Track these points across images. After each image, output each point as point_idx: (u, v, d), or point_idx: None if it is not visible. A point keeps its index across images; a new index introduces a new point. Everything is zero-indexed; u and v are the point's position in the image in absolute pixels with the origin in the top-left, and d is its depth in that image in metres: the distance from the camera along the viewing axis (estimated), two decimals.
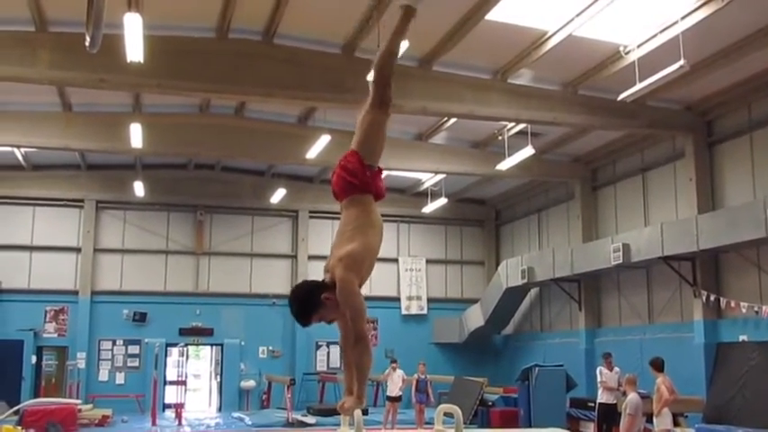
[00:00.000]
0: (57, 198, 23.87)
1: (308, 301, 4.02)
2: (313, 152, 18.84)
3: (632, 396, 11.70)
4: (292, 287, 4.15)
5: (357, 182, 4.27)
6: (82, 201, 24.03)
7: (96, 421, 19.01)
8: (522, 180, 23.08)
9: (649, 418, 11.49)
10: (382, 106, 4.42)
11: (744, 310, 14.83)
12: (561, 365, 17.07)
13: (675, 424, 12.96)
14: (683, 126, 16.77)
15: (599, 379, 14.50)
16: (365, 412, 15.57)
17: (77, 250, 23.98)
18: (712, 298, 15.71)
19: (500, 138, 18.84)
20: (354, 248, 4.06)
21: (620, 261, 17.20)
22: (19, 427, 16.76)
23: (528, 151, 17.63)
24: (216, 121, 19.70)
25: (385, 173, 21.91)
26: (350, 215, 4.27)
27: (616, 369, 14.53)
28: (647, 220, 18.46)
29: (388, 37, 4.44)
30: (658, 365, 11.35)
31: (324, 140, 18.15)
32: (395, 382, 17.48)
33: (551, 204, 23.17)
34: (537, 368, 16.56)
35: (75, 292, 23.72)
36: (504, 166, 18.76)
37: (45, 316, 23.59)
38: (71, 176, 23.84)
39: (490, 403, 19.03)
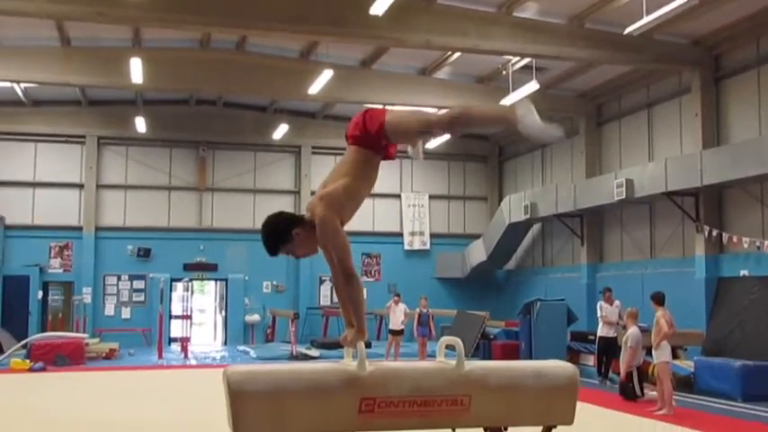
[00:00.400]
0: (58, 134, 23.80)
1: (277, 234, 4.05)
2: (315, 87, 18.71)
3: (633, 330, 11.83)
4: (267, 216, 4.14)
5: (370, 140, 4.23)
6: (83, 137, 23.98)
7: (103, 355, 19.27)
8: None
9: (649, 352, 11.63)
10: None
11: (745, 246, 14.88)
12: (563, 300, 17.20)
13: (675, 357, 13.12)
14: (689, 61, 16.59)
15: (599, 313, 14.61)
16: (368, 345, 15.78)
17: (80, 186, 24.03)
18: (714, 233, 15.75)
19: (504, 73, 18.68)
20: (337, 189, 4.08)
21: (624, 196, 17.20)
22: (27, 361, 17.05)
23: (533, 86, 17.48)
24: (217, 56, 19.53)
25: (388, 108, 21.42)
26: (349, 159, 4.27)
27: (616, 303, 14.63)
28: (651, 156, 18.41)
29: (485, 111, 4.40)
30: (659, 299, 11.44)
31: (326, 75, 18.01)
32: (397, 316, 17.64)
33: (555, 140, 23.04)
34: (538, 302, 16.69)
35: (80, 228, 23.84)
36: (509, 101, 18.62)
37: (50, 252, 23.75)
38: (72, 112, 23.74)
39: (492, 336, 19.24)
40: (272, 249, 4.06)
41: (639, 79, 18.86)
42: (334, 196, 4.06)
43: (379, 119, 4.21)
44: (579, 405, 3.85)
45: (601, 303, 14.75)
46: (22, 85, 20.78)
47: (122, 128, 23.86)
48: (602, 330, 14.52)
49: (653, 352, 11.08)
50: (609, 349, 14.37)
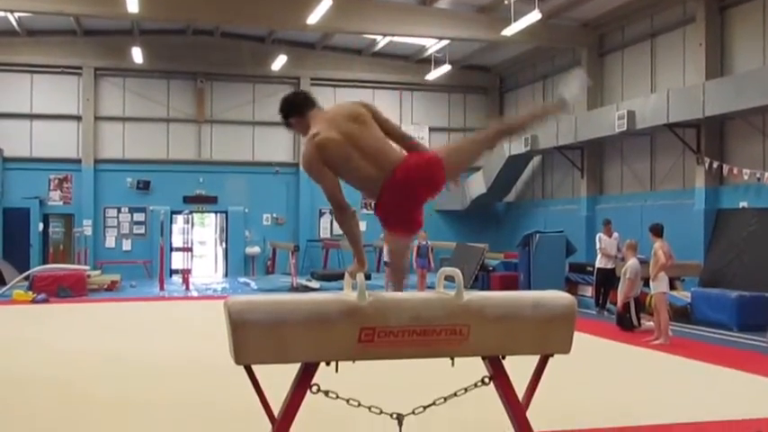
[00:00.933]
0: (54, 65, 23.58)
1: (289, 107, 4.25)
2: (314, 17, 18.45)
3: (632, 261, 11.91)
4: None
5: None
6: (80, 68, 23.76)
7: (105, 286, 19.45)
8: (528, 46, 22.66)
9: (647, 283, 11.73)
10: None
11: (746, 177, 14.88)
12: (561, 232, 17.27)
13: (672, 288, 13.25)
14: None
15: (598, 245, 14.69)
16: (368, 277, 15.87)
17: (78, 118, 23.91)
18: (715, 165, 15.73)
19: (506, 2, 18.38)
20: (336, 138, 3.97)
21: (625, 128, 17.12)
22: (30, 292, 17.22)
23: (534, 16, 17.23)
24: None
25: (387, 39, 21.49)
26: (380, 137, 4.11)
27: (615, 235, 14.68)
28: (653, 87, 18.26)
29: (527, 115, 4.31)
30: (657, 231, 11.49)
31: (325, 5, 17.74)
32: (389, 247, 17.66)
33: (557, 71, 22.84)
34: (538, 234, 16.76)
35: (78, 161, 23.81)
36: (510, 31, 18.40)
37: (49, 184, 23.77)
38: (68, 42, 23.47)
39: (491, 268, 19.40)
40: (283, 117, 4.28)
41: (643, 8, 18.57)
42: (332, 143, 3.97)
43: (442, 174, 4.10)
44: (576, 335, 3.90)
45: (600, 235, 14.81)
46: (16, 14, 20.52)
47: (119, 59, 23.63)
48: (600, 262, 14.62)
49: (650, 283, 11.18)
50: (607, 280, 14.52)
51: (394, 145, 4.18)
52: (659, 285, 11.01)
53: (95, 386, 7.50)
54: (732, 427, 5.69)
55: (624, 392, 7.45)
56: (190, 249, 23.22)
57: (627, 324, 12.10)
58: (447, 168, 4.08)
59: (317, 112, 4.15)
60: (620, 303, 12.22)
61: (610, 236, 14.67)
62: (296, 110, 4.19)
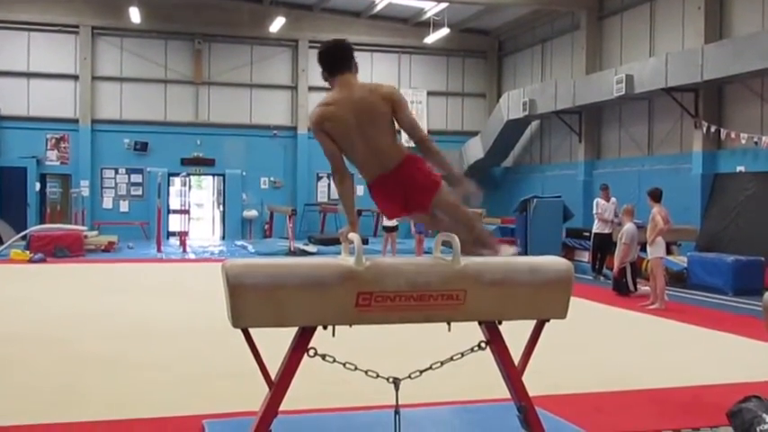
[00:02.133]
0: (51, 23, 23.43)
1: (322, 62, 4.18)
2: None
3: (628, 225, 11.91)
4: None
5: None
6: (77, 26, 23.58)
7: (102, 247, 19.47)
8: (528, 9, 22.49)
9: (643, 247, 11.74)
10: None
11: (743, 141, 14.84)
12: (559, 197, 17.25)
13: (668, 253, 13.27)
14: None
15: (595, 210, 14.75)
16: (365, 241, 15.90)
17: (75, 78, 23.77)
18: (713, 129, 15.69)
19: None
20: (343, 118, 3.99)
21: (623, 92, 17.06)
22: (27, 252, 17.23)
23: None
24: None
25: (386, 1, 21.38)
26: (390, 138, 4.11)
27: (613, 200, 14.70)
28: (652, 51, 18.15)
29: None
30: (656, 196, 11.48)
31: None
32: None
33: (556, 35, 22.70)
34: (535, 199, 16.74)
35: (76, 121, 23.71)
36: None
37: (46, 144, 23.70)
38: (65, 0, 23.24)
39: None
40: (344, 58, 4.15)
41: None
42: (331, 115, 4.02)
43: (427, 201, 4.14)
44: (573, 300, 3.90)
45: (597, 200, 14.84)
46: None
47: (116, 18, 23.44)
48: (597, 227, 14.69)
49: (647, 248, 11.19)
50: (604, 245, 14.56)
51: (402, 142, 4.21)
52: (656, 250, 11.02)
53: (91, 344, 7.52)
54: (728, 390, 5.71)
55: (620, 357, 7.48)
56: (187, 212, 23.23)
57: (623, 289, 12.15)
58: (435, 203, 4.13)
59: (348, 78, 4.11)
60: (616, 268, 12.23)
61: (607, 200, 14.69)
62: (326, 67, 4.16)
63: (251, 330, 3.52)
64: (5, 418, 5.01)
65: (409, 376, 3.90)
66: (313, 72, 24.79)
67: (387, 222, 17.70)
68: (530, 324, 3.97)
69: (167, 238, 22.97)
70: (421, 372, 3.94)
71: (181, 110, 24.66)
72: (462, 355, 3.95)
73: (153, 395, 5.72)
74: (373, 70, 25.42)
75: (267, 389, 3.63)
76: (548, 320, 3.95)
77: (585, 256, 15.87)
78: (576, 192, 20.22)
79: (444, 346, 4.09)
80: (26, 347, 7.43)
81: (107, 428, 4.90)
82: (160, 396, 5.70)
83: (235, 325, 3.47)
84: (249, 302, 3.43)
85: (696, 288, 13.00)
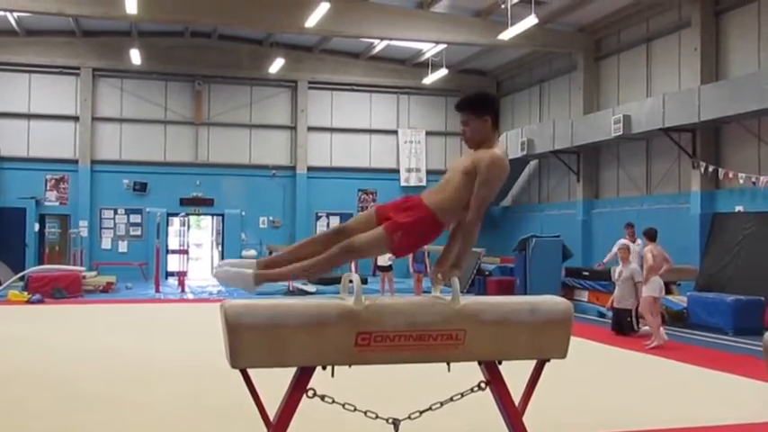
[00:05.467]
0: (53, 65, 23.61)
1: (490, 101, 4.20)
2: (312, 20, 18.45)
3: (634, 266, 11.89)
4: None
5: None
6: (78, 68, 23.76)
7: (101, 288, 19.40)
8: (525, 50, 22.69)
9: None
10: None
11: (741, 181, 14.89)
12: (558, 236, 17.26)
13: (668, 292, 13.22)
14: None
15: (615, 249, 13.01)
16: (364, 281, 15.88)
17: (75, 119, 23.90)
18: (710, 169, 15.75)
19: (503, 6, 18.38)
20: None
21: (621, 132, 17.16)
22: (25, 293, 17.18)
23: (531, 20, 17.25)
24: None
25: (385, 43, 21.54)
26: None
27: (638, 241, 13.33)
28: (649, 92, 18.29)
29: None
30: (651, 235, 11.50)
31: (323, 8, 17.74)
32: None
33: (553, 76, 22.89)
34: (534, 238, 16.73)
35: (75, 161, 23.79)
36: (507, 35, 18.42)
37: (46, 184, 23.75)
38: (66, 43, 23.48)
39: (487, 273, 19.37)
40: (474, 103, 4.15)
41: (639, 13, 18.61)
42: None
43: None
44: (572, 339, 3.89)
45: (621, 241, 13.34)
46: (15, 13, 20.51)
47: (117, 60, 23.64)
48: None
49: (643, 287, 11.21)
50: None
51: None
52: (648, 289, 11.06)
53: (89, 385, 7.47)
54: (730, 431, 5.68)
55: (621, 398, 7.44)
56: (186, 252, 23.16)
57: (625, 329, 12.02)
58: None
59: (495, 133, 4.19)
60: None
61: (633, 241, 13.44)
62: (487, 111, 4.14)
63: (249, 371, 3.51)
64: None
65: (409, 417, 3.88)
66: (313, 112, 25.00)
67: (381, 262, 17.67)
68: (530, 364, 3.96)
69: (166, 278, 22.92)
70: (421, 412, 3.92)
71: (180, 150, 24.77)
72: (462, 395, 3.93)
73: None
74: (372, 110, 25.64)
75: (266, 430, 3.61)
76: (548, 360, 3.94)
77: (585, 296, 15.84)
78: (575, 231, 20.24)
79: (444, 385, 4.08)
80: (23, 387, 7.38)
81: None
82: None
83: (233, 365, 3.46)
84: (248, 342, 3.42)
85: (696, 327, 12.94)
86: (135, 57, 22.78)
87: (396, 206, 4.08)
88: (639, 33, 18.89)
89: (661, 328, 11.31)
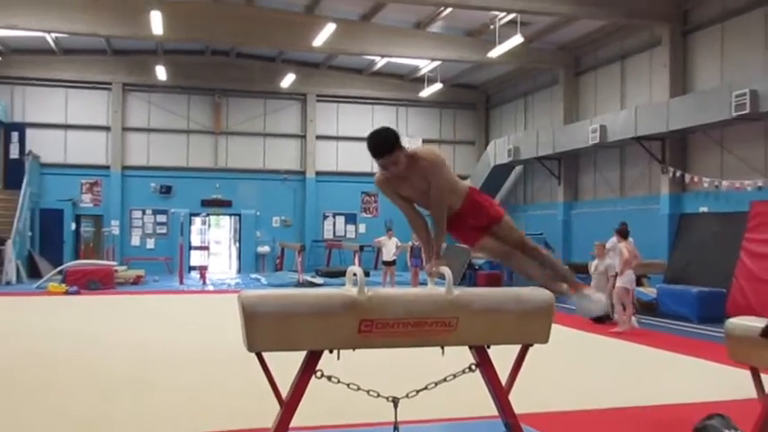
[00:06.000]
0: (87, 81, 23.63)
1: (395, 138, 4.25)
2: (319, 40, 18.47)
3: (609, 261, 11.86)
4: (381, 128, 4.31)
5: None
6: (110, 83, 23.78)
7: (131, 280, 19.43)
8: (511, 66, 22.68)
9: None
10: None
11: (705, 185, 14.88)
12: (541, 233, 17.28)
13: (639, 284, 13.21)
14: (660, 16, 16.33)
15: (609, 247, 12.20)
16: (367, 274, 15.89)
17: (107, 129, 23.91)
18: (678, 174, 15.74)
19: (492, 27, 18.40)
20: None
21: (598, 141, 17.16)
22: (63, 285, 17.20)
23: (517, 39, 17.26)
24: (229, 10, 19.21)
25: (385, 60, 21.50)
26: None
27: (630, 240, 11.95)
28: (623, 104, 18.28)
29: (555, 263, 4.44)
30: (623, 233, 11.49)
31: (329, 28, 17.76)
32: (389, 248, 17.68)
33: (537, 89, 22.88)
34: None
35: (107, 167, 23.80)
36: (495, 53, 18.43)
37: (81, 188, 23.76)
38: (99, 61, 23.49)
39: (477, 267, 19.39)
40: (389, 145, 4.19)
41: (614, 33, 18.60)
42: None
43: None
44: (554, 327, 3.90)
45: (613, 240, 12.22)
46: (54, 34, 20.54)
47: (145, 75, 23.65)
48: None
49: (617, 279, 11.20)
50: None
51: None
52: (622, 281, 11.07)
53: (120, 368, 7.49)
54: (694, 409, 5.68)
55: (597, 379, 7.45)
56: (207, 248, 23.24)
57: (604, 317, 11.97)
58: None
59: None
60: (610, 299, 11.69)
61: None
62: (395, 144, 4.28)
63: (264, 354, 3.53)
64: None
65: (407, 395, 3.89)
66: (320, 122, 25.01)
67: (386, 257, 17.74)
68: (515, 348, 3.97)
69: (189, 271, 22.92)
70: (417, 391, 3.93)
71: (201, 156, 24.78)
72: (455, 376, 3.94)
73: (175, 414, 5.68)
74: (374, 121, 25.59)
75: (278, 408, 3.62)
76: (531, 345, 3.95)
77: (564, 287, 15.76)
78: (557, 229, 20.24)
79: (438, 368, 4.09)
80: (62, 370, 7.40)
81: None
82: (182, 415, 5.66)
83: (249, 349, 3.47)
84: (262, 329, 3.43)
85: (665, 316, 12.95)
86: (161, 73, 22.80)
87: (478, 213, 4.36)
88: (615, 51, 18.88)
89: (633, 317, 11.34)
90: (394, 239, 17.80)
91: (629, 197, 18.10)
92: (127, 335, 10.05)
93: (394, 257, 17.78)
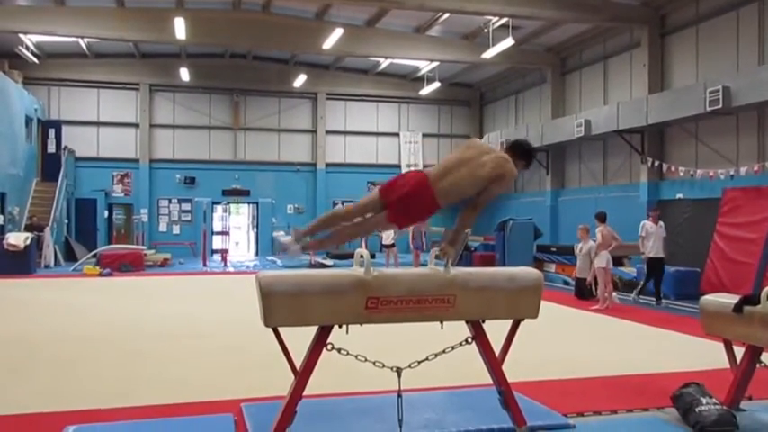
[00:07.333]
0: (117, 82, 23.58)
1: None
2: (328, 43, 18.40)
3: (591, 243, 11.82)
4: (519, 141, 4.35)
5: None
6: (138, 84, 23.74)
7: (159, 263, 19.47)
8: (503, 67, 22.58)
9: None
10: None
11: (681, 174, 14.83)
12: (530, 219, 17.23)
13: (620, 264, 13.19)
14: (640, 19, 16.22)
15: (641, 232, 11.62)
16: (373, 256, 15.90)
17: (136, 126, 23.89)
18: (656, 164, 15.69)
19: (485, 30, 18.32)
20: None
21: (582, 134, 17.10)
22: (97, 267, 17.25)
23: (508, 42, 17.18)
24: (246, 17, 19.19)
25: (389, 61, 21.42)
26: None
27: (661, 223, 11.69)
28: (605, 100, 18.20)
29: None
30: (601, 217, 11.45)
31: (337, 33, 17.70)
32: (387, 233, 17.66)
33: (527, 87, 22.79)
34: (511, 221, 16.71)
35: (137, 161, 23.80)
36: (489, 54, 18.35)
37: (113, 180, 23.77)
38: (127, 63, 23.44)
39: (473, 249, 19.36)
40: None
41: (598, 35, 18.49)
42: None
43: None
44: (542, 303, 3.89)
45: (644, 222, 11.74)
46: (86, 39, 20.51)
47: (169, 77, 23.61)
48: (651, 250, 11.44)
49: (594, 259, 11.18)
50: (657, 269, 11.64)
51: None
52: (600, 261, 11.04)
53: (147, 342, 7.50)
54: (671, 378, 5.68)
55: (582, 350, 7.44)
56: (227, 233, 23.23)
57: (587, 294, 12.00)
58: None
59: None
60: (590, 278, 11.78)
61: (656, 223, 11.59)
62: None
63: (280, 329, 3.53)
64: (77, 404, 5.00)
65: (409, 366, 3.89)
66: (330, 119, 24.96)
67: (385, 241, 17.80)
68: (508, 323, 3.97)
69: (211, 255, 22.95)
70: (419, 362, 3.93)
71: (222, 150, 24.75)
72: (453, 348, 3.94)
73: (199, 383, 5.69)
74: (378, 117, 25.62)
75: (293, 377, 3.62)
76: (522, 320, 3.95)
77: (553, 268, 15.81)
78: (545, 215, 20.20)
79: (438, 340, 4.09)
80: (95, 345, 7.42)
81: (161, 411, 4.85)
82: (205, 384, 5.67)
83: (266, 324, 3.47)
84: (278, 306, 3.43)
85: (644, 294, 12.93)
86: (184, 74, 22.76)
87: (394, 181, 4.04)
88: (598, 52, 18.78)
89: (614, 294, 11.32)
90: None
91: (612, 185, 18.05)
92: (155, 311, 10.09)
93: (393, 241, 17.77)
